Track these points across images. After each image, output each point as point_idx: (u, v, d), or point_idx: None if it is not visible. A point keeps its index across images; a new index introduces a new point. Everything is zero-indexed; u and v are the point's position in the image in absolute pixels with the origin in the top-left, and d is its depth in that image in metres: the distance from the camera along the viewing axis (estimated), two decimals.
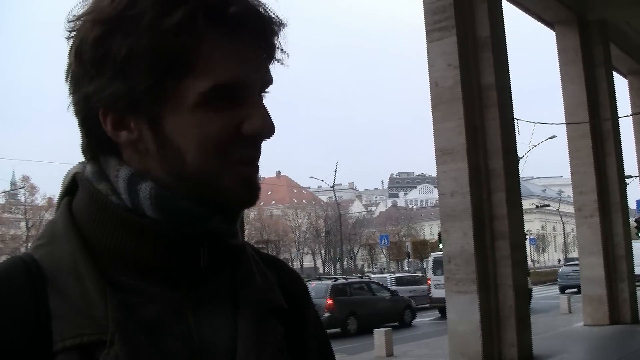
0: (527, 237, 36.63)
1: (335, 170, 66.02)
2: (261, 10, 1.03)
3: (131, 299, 0.99)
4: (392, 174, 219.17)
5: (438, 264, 26.01)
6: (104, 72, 0.98)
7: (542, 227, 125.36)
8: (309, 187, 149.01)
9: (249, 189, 1.05)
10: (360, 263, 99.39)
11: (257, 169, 1.06)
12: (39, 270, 0.99)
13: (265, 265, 1.18)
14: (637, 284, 18.26)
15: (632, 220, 27.28)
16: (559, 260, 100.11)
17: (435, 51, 12.52)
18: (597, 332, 16.53)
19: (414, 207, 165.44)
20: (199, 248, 1.04)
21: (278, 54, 1.07)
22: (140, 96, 0.99)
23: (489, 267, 12.17)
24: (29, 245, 1.10)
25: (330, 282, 24.77)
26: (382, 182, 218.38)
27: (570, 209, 45.14)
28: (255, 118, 1.02)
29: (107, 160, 1.06)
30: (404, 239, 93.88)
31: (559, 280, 42.29)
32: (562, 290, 37.99)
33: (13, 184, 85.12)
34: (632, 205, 29.35)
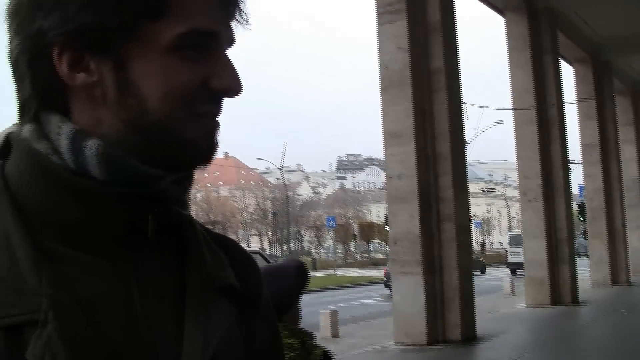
0: (472, 220, 37.35)
1: (284, 152, 66.23)
2: None
3: (69, 271, 0.88)
4: (340, 157, 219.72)
5: (512, 239, 43.19)
6: (68, 5, 0.88)
7: (488, 210, 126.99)
8: (257, 169, 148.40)
9: (210, 142, 0.97)
10: (307, 245, 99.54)
11: (217, 124, 0.99)
12: None
13: (216, 244, 1.09)
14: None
15: (574, 204, 27.86)
16: (500, 243, 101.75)
17: (386, 34, 12.56)
18: (539, 313, 16.89)
19: (362, 189, 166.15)
20: (146, 215, 0.95)
21: (241, 15, 1.01)
22: (109, 33, 0.90)
23: (435, 249, 12.33)
24: None
25: None
26: (331, 164, 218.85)
27: (515, 193, 46.20)
28: (226, 74, 0.96)
29: (49, 118, 0.94)
30: (351, 221, 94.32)
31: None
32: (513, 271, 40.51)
33: None
34: (574, 190, 29.93)
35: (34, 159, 0.92)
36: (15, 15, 0.93)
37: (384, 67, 12.57)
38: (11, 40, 0.94)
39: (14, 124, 0.99)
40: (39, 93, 0.94)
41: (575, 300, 18.06)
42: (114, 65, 0.91)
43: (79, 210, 0.91)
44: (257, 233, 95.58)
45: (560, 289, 17.86)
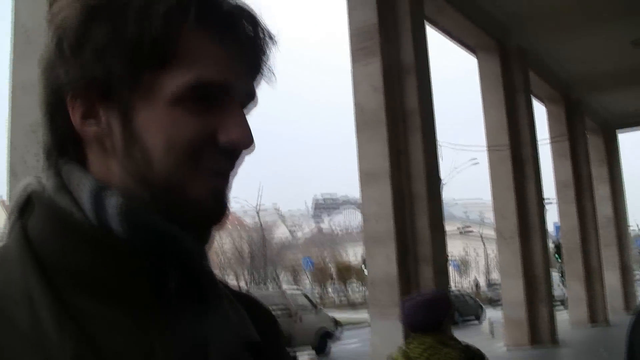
0: (449, 261, 37.40)
1: (260, 195, 66.20)
2: (254, 16, 0.96)
3: (91, 327, 0.86)
4: (316, 196, 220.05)
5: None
6: (83, 56, 0.89)
7: (464, 250, 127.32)
8: (232, 209, 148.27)
9: (217, 201, 0.93)
10: (284, 286, 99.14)
11: (227, 182, 0.95)
12: None
13: (235, 299, 1.06)
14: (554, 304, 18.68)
15: (550, 243, 27.90)
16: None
17: (360, 74, 12.56)
18: (519, 355, 16.73)
19: (338, 230, 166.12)
20: (167, 268, 0.92)
21: (265, 70, 0.98)
22: (115, 82, 0.89)
23: (413, 291, 12.18)
24: None
25: None
26: (306, 202, 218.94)
27: (491, 232, 46.08)
28: (233, 127, 0.92)
29: (70, 169, 0.94)
30: (328, 261, 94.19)
31: None
32: None
33: None
34: (549, 228, 30.01)
35: (57, 216, 0.91)
36: (41, 65, 0.95)
37: (358, 107, 12.55)
38: (40, 89, 0.96)
39: (34, 177, 0.98)
40: (57, 142, 0.95)
41: (554, 340, 17.95)
42: (120, 115, 0.91)
43: (103, 267, 0.89)
44: (233, 274, 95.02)
45: (539, 329, 17.76)
